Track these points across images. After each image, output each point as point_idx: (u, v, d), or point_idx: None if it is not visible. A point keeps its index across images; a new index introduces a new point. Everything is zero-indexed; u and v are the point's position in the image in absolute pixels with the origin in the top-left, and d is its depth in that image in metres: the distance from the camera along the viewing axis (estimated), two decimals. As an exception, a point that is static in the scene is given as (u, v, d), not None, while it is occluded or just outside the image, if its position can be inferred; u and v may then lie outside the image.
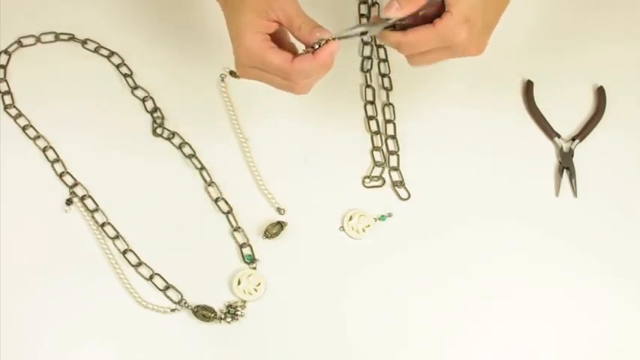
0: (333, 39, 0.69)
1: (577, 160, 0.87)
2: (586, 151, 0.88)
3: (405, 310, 0.79)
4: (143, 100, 0.88)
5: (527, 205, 0.85)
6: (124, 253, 0.80)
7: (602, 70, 0.92)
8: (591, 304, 0.81)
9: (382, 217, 0.84)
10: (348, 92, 0.90)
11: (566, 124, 0.90)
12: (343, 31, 0.70)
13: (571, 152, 0.88)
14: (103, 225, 0.82)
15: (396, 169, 0.87)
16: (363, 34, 0.71)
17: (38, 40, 0.91)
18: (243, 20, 0.70)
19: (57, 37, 0.91)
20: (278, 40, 0.72)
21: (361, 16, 0.95)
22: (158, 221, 0.82)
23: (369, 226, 0.83)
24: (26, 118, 0.86)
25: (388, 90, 0.91)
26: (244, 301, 0.79)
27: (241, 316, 0.78)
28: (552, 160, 0.88)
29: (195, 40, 0.92)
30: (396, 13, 0.70)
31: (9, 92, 0.88)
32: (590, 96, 0.92)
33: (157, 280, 0.80)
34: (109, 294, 0.79)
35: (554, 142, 0.88)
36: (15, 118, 0.86)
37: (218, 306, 0.79)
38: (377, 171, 0.87)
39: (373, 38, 0.93)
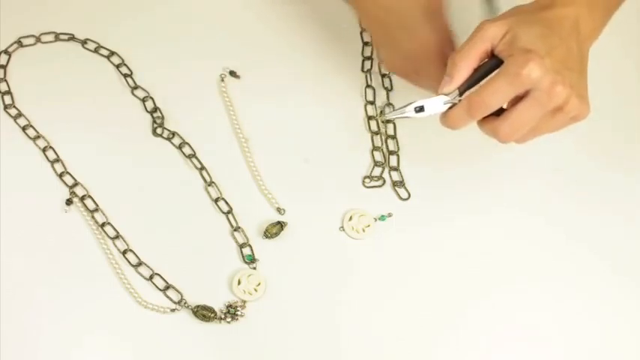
0: (388, 121, 0.78)
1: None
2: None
3: (405, 310, 0.79)
4: (143, 100, 0.88)
5: (527, 205, 0.85)
6: (124, 253, 0.80)
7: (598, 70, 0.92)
8: (592, 304, 0.81)
9: (382, 217, 0.84)
10: (348, 92, 0.90)
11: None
12: (396, 112, 0.73)
13: (571, 152, 0.88)
14: (103, 225, 0.82)
15: (396, 169, 0.87)
16: (419, 110, 0.72)
17: (38, 40, 0.91)
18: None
19: (57, 37, 0.91)
20: None
21: (363, 29, 0.93)
22: (158, 221, 0.82)
23: (369, 226, 0.83)
24: (26, 118, 0.86)
25: (388, 90, 0.91)
26: (244, 301, 0.79)
27: (241, 316, 0.78)
28: (552, 160, 0.88)
29: (196, 40, 0.92)
30: (449, 87, 0.70)
31: (9, 92, 0.88)
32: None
33: (157, 280, 0.80)
34: (109, 294, 0.78)
35: (554, 142, 0.88)
36: (15, 118, 0.86)
37: (218, 306, 0.79)
38: (377, 171, 0.86)
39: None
